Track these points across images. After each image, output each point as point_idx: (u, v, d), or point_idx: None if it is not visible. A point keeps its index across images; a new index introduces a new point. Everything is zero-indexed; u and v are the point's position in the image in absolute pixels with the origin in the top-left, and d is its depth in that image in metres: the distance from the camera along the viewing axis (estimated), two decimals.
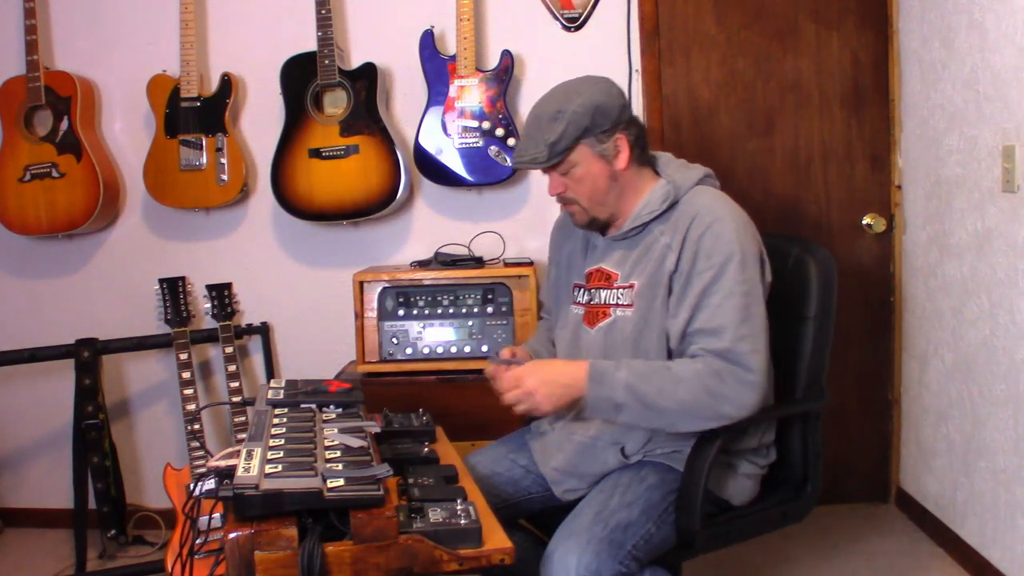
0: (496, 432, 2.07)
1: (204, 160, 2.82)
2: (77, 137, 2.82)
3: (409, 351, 2.61)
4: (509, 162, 2.73)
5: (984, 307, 2.36)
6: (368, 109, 2.75)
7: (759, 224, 1.77)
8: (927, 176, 2.68)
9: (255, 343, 3.04)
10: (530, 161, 1.69)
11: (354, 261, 2.91)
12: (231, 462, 1.33)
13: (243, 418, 2.73)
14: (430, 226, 2.94)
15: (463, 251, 2.79)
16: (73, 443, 2.83)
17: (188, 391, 2.72)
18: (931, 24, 2.58)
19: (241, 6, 2.93)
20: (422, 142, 2.77)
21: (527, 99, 2.83)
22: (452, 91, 2.75)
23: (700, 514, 1.64)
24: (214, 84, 2.86)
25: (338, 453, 1.42)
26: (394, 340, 2.62)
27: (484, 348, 2.58)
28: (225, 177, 2.83)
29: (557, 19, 2.87)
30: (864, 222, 2.90)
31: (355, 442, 1.47)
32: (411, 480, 1.48)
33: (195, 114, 2.81)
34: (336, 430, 1.54)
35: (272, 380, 1.94)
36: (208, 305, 2.85)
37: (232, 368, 2.78)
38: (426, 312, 2.62)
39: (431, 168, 2.78)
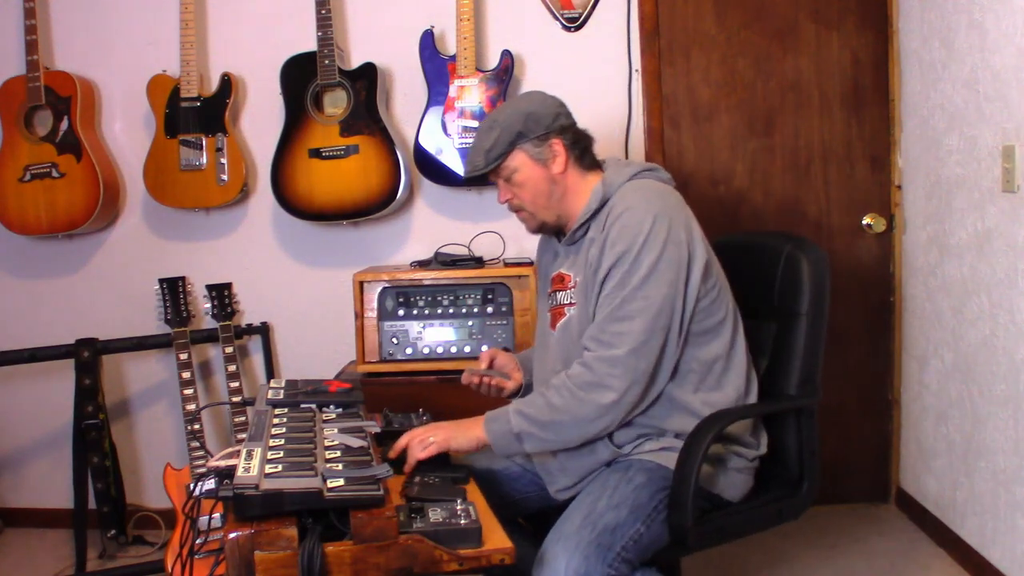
0: None
1: (204, 160, 2.82)
2: (77, 137, 2.82)
3: (409, 351, 2.61)
4: None
5: (984, 307, 2.36)
6: (368, 109, 2.75)
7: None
8: (927, 176, 2.68)
9: (255, 343, 3.04)
10: (472, 169, 1.80)
11: (354, 261, 2.91)
12: (231, 462, 1.34)
13: (243, 418, 2.73)
14: (430, 226, 2.94)
15: (463, 251, 2.79)
16: (73, 443, 2.83)
17: (188, 391, 2.73)
18: (931, 24, 2.58)
19: (241, 6, 2.93)
20: (422, 142, 2.77)
21: None
22: (452, 91, 2.75)
23: (692, 510, 1.63)
24: (214, 84, 2.86)
25: (338, 453, 1.42)
26: (394, 340, 2.62)
27: (484, 348, 2.56)
28: (225, 177, 2.83)
29: (557, 19, 2.87)
30: (864, 222, 2.90)
31: (355, 442, 1.47)
32: (416, 479, 1.48)
33: (195, 114, 2.81)
34: (336, 430, 1.54)
35: (272, 380, 1.94)
36: (208, 305, 2.85)
37: (232, 368, 2.78)
38: (426, 312, 2.62)
39: (431, 168, 2.79)
